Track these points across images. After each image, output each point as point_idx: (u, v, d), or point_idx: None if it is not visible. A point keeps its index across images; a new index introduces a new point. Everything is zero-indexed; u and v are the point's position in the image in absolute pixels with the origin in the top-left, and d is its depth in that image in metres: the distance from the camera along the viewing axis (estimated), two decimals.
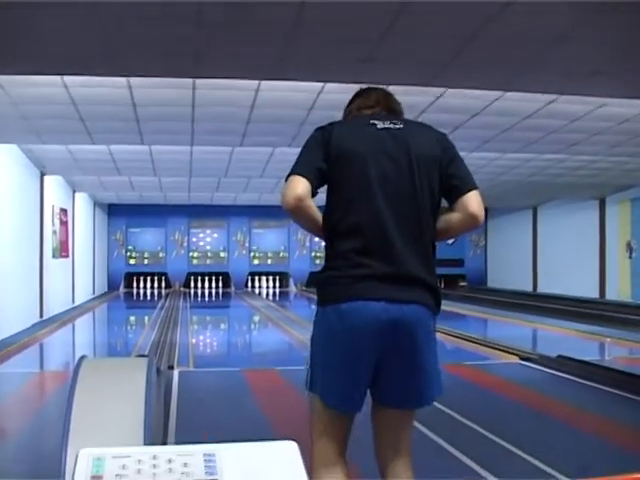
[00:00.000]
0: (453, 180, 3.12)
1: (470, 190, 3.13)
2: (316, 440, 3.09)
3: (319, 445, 3.08)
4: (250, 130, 11.92)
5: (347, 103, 3.36)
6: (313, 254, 30.05)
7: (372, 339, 2.92)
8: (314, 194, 2.98)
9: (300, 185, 2.93)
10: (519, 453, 5.61)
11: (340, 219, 2.99)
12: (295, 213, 2.97)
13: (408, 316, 2.95)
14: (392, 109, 3.27)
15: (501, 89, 9.68)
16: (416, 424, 6.27)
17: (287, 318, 15.84)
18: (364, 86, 3.37)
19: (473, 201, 3.10)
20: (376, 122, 3.09)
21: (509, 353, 11.08)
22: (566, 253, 24.51)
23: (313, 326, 3.11)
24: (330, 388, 3.01)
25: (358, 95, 3.34)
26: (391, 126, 3.09)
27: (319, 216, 3.06)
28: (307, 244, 30.00)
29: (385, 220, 2.94)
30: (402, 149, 3.02)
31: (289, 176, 3.00)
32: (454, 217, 3.12)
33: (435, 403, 7.51)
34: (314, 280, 3.12)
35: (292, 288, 29.68)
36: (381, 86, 3.40)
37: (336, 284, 2.97)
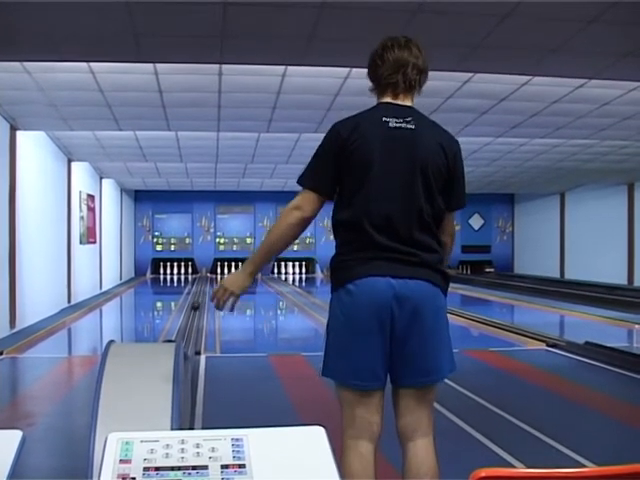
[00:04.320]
0: (446, 193, 3.28)
1: (453, 210, 3.34)
2: (347, 427, 3.16)
3: (350, 432, 3.15)
4: (276, 116, 11.92)
5: (372, 57, 3.38)
6: None
7: (380, 314, 3.03)
8: (321, 206, 3.22)
9: (309, 206, 3.18)
10: (546, 439, 5.60)
11: (348, 211, 3.13)
12: (287, 229, 3.20)
13: (414, 290, 3.05)
14: (410, 80, 3.30)
15: (529, 73, 9.60)
16: (443, 410, 6.30)
17: (313, 304, 15.86)
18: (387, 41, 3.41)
19: (452, 224, 3.39)
20: (388, 120, 3.16)
21: (536, 339, 11.03)
22: (594, 239, 24.32)
23: (328, 312, 3.23)
24: (349, 368, 3.10)
25: (382, 59, 3.33)
26: (403, 125, 3.17)
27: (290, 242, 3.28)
28: None
29: (389, 212, 3.08)
30: (409, 153, 3.13)
31: (302, 183, 3.22)
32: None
33: (461, 389, 7.52)
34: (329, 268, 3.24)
35: (318, 274, 29.70)
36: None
37: (344, 267, 3.13)
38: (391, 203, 3.09)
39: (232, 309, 3.35)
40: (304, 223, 3.21)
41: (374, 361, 3.08)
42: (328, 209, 3.44)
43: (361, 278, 3.06)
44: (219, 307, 3.33)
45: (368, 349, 3.06)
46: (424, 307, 3.07)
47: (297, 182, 3.22)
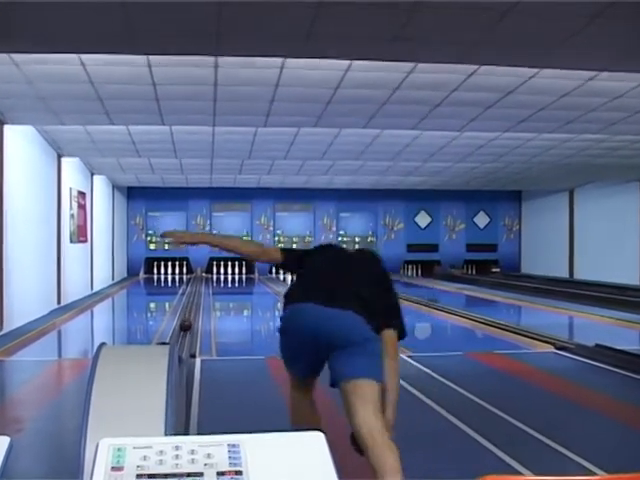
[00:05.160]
0: (383, 307, 4.35)
1: (391, 326, 4.34)
2: (290, 388, 4.62)
3: (292, 391, 4.62)
4: (274, 109, 11.91)
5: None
6: (340, 239, 30.04)
7: (303, 333, 4.16)
8: (281, 266, 4.84)
9: (272, 255, 4.80)
10: (554, 445, 5.60)
11: (300, 280, 4.60)
12: (254, 252, 4.90)
13: (330, 315, 4.09)
14: None
15: (537, 66, 9.60)
16: (446, 414, 6.33)
17: None
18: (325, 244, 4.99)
19: (391, 339, 4.33)
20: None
21: (544, 342, 11.04)
22: (604, 238, 24.33)
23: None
24: (287, 362, 4.47)
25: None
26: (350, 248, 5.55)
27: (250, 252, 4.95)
28: (333, 228, 30.05)
29: (323, 286, 4.30)
30: (352, 260, 4.65)
31: (284, 248, 5.00)
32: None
33: (465, 393, 7.56)
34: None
35: None
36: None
37: (288, 297, 4.47)
38: (334, 282, 4.31)
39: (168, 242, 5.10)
40: (261, 260, 4.98)
41: (303, 365, 4.38)
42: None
43: (293, 304, 4.33)
44: (164, 235, 4.89)
45: (297, 358, 4.36)
46: (339, 329, 4.07)
47: (281, 248, 4.82)
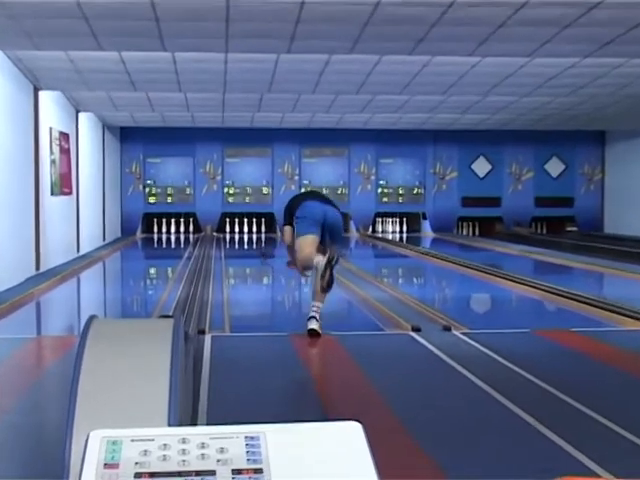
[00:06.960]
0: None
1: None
2: (300, 244, 9.94)
3: (303, 249, 9.86)
4: (300, 32, 11.83)
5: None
6: (380, 190, 29.97)
7: (314, 214, 9.90)
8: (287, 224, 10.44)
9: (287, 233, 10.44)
10: None
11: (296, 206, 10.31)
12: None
13: (326, 207, 10.07)
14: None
15: None
16: (511, 406, 6.33)
17: (346, 270, 15.78)
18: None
19: None
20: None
21: (633, 318, 10.96)
22: None
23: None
24: (301, 231, 9.90)
25: None
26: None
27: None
28: (372, 177, 29.94)
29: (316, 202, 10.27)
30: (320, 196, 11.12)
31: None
32: None
33: (535, 379, 7.63)
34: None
35: (353, 233, 29.62)
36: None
37: (294, 201, 10.53)
38: (317, 197, 10.67)
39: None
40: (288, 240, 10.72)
41: (314, 230, 9.91)
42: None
43: (303, 202, 10.14)
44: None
45: (310, 228, 9.90)
46: (333, 216, 10.00)
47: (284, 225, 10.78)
